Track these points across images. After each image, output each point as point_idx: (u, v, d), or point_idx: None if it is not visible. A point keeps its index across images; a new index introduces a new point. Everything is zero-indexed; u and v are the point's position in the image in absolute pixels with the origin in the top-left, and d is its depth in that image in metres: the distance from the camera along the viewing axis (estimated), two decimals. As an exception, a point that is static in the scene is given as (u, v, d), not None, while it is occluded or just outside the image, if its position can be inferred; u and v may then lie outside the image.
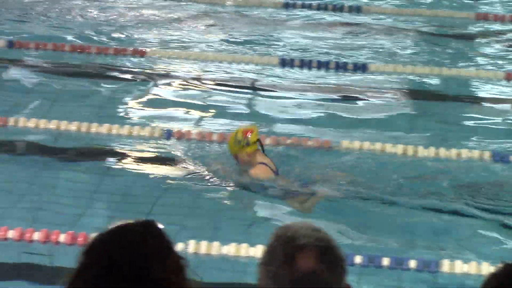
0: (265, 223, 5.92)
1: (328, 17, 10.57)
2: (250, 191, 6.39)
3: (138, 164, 6.86)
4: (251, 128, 6.32)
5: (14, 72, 8.68)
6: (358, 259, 5.26)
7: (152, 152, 7.04)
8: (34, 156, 6.81)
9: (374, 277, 5.40)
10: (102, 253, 2.20)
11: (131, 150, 6.97)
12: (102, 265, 2.15)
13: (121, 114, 7.44)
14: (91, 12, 10.35)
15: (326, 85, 8.48)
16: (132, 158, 6.95)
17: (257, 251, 5.13)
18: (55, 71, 8.67)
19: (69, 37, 9.43)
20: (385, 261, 5.34)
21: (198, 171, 6.52)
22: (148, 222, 2.32)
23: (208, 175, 6.43)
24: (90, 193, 6.28)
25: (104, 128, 7.06)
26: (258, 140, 6.23)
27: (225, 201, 6.34)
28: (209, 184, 6.37)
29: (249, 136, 6.12)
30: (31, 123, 7.05)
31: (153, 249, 2.22)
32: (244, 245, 5.42)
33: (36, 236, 5.50)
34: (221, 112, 7.71)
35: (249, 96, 8.29)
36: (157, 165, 6.83)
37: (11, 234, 5.55)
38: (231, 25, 10.38)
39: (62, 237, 5.44)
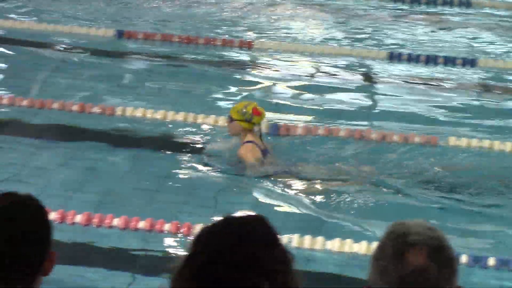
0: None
1: (436, 10, 10.62)
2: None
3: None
4: (261, 110, 6.37)
5: (122, 63, 8.87)
6: (463, 259, 5.20)
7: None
8: (140, 147, 6.85)
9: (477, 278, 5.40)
10: (211, 242, 2.21)
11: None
12: (210, 254, 2.17)
13: (228, 106, 7.44)
14: (199, 4, 10.56)
15: (432, 79, 8.48)
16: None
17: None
18: (162, 62, 8.81)
19: (178, 28, 9.62)
20: (491, 261, 5.27)
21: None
22: (256, 215, 2.34)
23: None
24: (185, 186, 6.29)
25: (210, 119, 7.10)
26: (258, 123, 6.32)
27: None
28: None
29: (254, 115, 6.24)
30: (139, 113, 7.15)
31: (262, 240, 2.23)
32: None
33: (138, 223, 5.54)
34: (327, 105, 7.78)
35: (354, 89, 8.30)
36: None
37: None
38: (337, 18, 10.44)
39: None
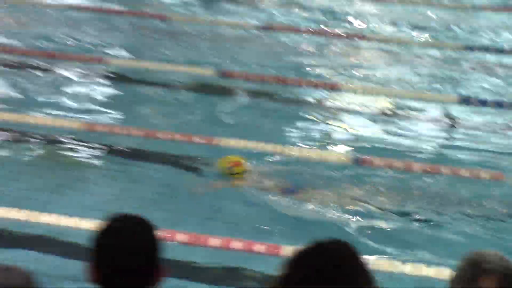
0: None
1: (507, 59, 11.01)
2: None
3: (319, 190, 7.08)
4: (240, 162, 7.07)
5: (222, 100, 9.29)
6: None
7: (337, 177, 7.29)
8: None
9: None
10: (307, 263, 2.32)
11: (321, 176, 7.23)
12: (307, 274, 2.28)
13: (316, 143, 8.00)
14: (288, 47, 11.15)
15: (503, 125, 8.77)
16: (321, 183, 7.17)
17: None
18: (258, 99, 9.28)
19: (272, 68, 10.15)
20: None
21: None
22: (343, 241, 2.46)
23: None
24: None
25: (303, 151, 7.66)
26: (239, 173, 7.00)
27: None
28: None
29: (233, 168, 7.02)
30: (233, 142, 7.70)
31: (352, 261, 2.37)
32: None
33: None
34: (403, 141, 8.16)
35: (428, 130, 8.59)
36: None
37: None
38: (415, 63, 10.81)
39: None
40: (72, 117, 8.20)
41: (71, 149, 7.48)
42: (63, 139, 7.63)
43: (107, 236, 2.89)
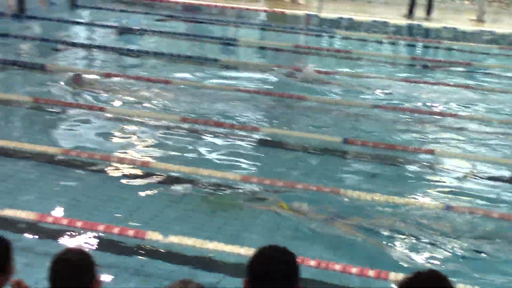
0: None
1: None
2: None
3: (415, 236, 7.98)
4: (284, 205, 8.37)
5: (344, 164, 10.41)
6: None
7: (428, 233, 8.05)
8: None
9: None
10: None
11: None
12: None
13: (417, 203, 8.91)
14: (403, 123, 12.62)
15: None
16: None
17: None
18: (380, 164, 10.32)
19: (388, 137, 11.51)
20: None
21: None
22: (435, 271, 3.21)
23: None
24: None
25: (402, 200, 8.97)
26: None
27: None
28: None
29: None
30: (371, 197, 8.86)
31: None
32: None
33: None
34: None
35: None
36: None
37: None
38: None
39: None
40: (235, 171, 9.68)
41: (229, 195, 8.88)
42: (223, 187, 9.09)
43: (261, 262, 3.47)
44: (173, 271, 7.15)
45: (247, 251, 7.27)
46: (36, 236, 7.74)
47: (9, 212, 8.07)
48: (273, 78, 15.88)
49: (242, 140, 11.41)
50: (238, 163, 10.31)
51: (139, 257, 7.46)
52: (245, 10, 25.62)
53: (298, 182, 9.36)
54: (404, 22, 24.90)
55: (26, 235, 7.72)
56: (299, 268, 3.61)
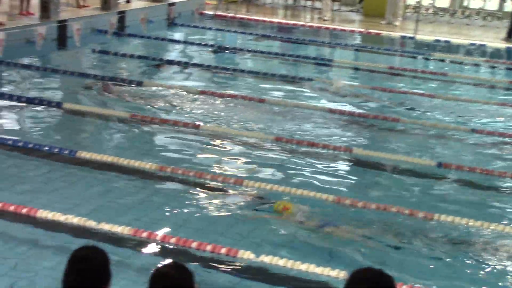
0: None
1: None
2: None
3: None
4: (288, 206, 8.81)
5: (438, 186, 10.46)
6: None
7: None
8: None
9: None
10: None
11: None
12: None
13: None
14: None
15: None
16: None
17: None
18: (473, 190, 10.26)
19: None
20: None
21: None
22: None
23: None
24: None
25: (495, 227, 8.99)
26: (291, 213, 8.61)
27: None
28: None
29: (284, 211, 8.74)
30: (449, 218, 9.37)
31: None
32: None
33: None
34: None
35: None
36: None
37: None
38: None
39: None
40: (327, 193, 9.64)
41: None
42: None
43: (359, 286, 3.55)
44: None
45: (338, 274, 7.33)
46: (135, 251, 7.90)
47: (106, 227, 8.23)
48: (366, 100, 15.86)
49: (335, 161, 11.51)
50: (331, 184, 10.47)
51: (231, 275, 7.54)
52: (340, 31, 25.62)
53: (392, 205, 9.34)
54: (503, 45, 24.47)
55: (123, 250, 7.86)
56: None
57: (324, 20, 27.20)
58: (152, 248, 8.02)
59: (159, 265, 4.19)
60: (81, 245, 4.30)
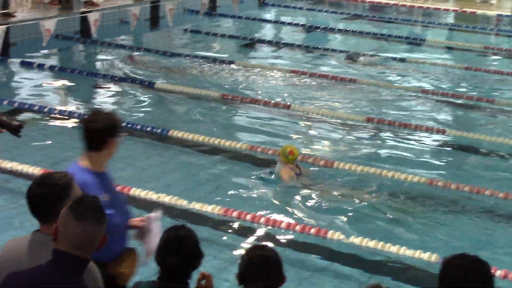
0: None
1: None
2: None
3: None
4: (295, 151, 9.18)
5: None
6: None
7: None
8: None
9: None
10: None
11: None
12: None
13: None
14: None
15: None
16: None
17: None
18: None
19: None
20: None
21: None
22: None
23: None
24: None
25: None
26: (295, 159, 9.13)
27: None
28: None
29: (289, 155, 9.12)
30: None
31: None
32: None
33: None
34: None
35: None
36: None
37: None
38: None
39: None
40: (420, 174, 9.61)
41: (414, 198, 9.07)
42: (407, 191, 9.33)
43: (455, 272, 3.39)
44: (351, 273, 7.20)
45: (430, 257, 7.21)
46: (223, 231, 7.97)
47: (196, 206, 8.32)
48: (460, 80, 15.56)
49: (427, 143, 11.39)
50: (423, 166, 10.37)
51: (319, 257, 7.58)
52: (433, 9, 25.15)
53: (485, 188, 9.22)
54: None
55: (212, 229, 7.96)
56: (493, 278, 3.46)
57: (418, -2, 26.75)
58: (242, 228, 8.07)
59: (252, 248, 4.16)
60: (172, 226, 4.31)
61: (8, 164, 9.19)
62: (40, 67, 14.47)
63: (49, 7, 17.60)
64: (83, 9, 17.40)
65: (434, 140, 11.51)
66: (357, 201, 8.96)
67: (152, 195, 8.53)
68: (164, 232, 4.31)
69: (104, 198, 4.60)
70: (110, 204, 4.67)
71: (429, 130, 11.84)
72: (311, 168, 9.75)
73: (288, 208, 8.67)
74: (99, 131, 4.76)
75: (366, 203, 8.91)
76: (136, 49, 16.68)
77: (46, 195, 3.71)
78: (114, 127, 4.81)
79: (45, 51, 15.64)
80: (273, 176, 9.43)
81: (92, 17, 16.25)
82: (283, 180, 9.27)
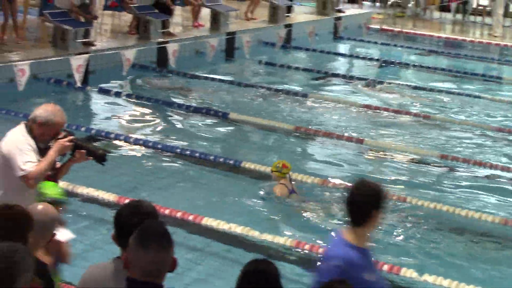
0: None
1: None
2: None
3: None
4: (288, 165, 9.38)
5: None
6: None
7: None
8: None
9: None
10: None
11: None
12: None
13: None
14: None
15: None
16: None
17: None
18: None
19: None
20: None
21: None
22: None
23: None
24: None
25: None
26: (287, 173, 9.33)
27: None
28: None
29: (283, 168, 9.34)
30: None
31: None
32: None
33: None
34: None
35: None
36: None
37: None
38: None
39: None
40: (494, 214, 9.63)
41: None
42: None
43: None
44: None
45: None
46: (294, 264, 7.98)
47: (268, 237, 8.31)
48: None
49: (501, 181, 11.22)
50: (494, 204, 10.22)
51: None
52: (510, 47, 24.79)
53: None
54: None
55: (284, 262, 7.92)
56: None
57: (495, 36, 26.39)
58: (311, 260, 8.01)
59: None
60: (253, 259, 4.18)
61: (85, 190, 9.36)
62: (117, 94, 14.75)
63: (128, 36, 17.99)
64: (160, 39, 17.71)
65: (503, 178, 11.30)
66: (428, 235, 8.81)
67: (224, 225, 8.60)
68: (246, 266, 4.09)
69: (370, 277, 4.46)
70: (374, 285, 4.53)
71: (505, 169, 11.70)
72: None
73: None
74: (365, 203, 4.48)
75: (435, 238, 8.73)
76: (211, 80, 16.84)
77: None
78: (380, 198, 4.51)
79: (121, 81, 15.88)
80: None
81: (171, 47, 16.51)
82: (275, 194, 9.49)
